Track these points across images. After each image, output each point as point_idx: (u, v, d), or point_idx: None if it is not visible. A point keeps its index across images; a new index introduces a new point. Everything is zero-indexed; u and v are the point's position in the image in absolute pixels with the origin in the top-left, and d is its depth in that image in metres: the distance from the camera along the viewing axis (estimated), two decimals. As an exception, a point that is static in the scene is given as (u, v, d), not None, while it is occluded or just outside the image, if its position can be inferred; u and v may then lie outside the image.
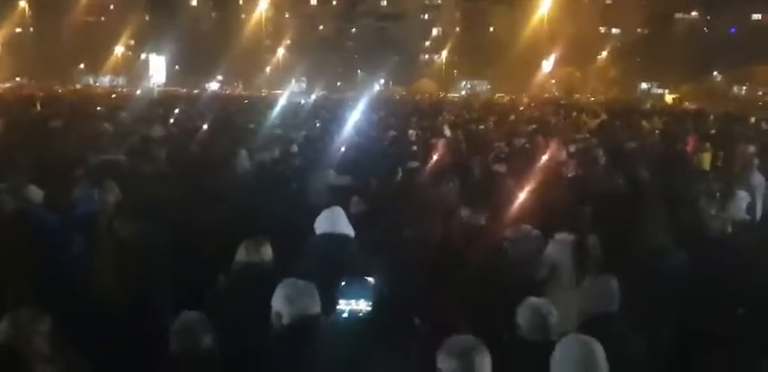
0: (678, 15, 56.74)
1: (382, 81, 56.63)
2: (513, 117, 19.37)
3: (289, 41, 56.93)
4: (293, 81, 48.77)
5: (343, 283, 3.20)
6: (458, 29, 59.49)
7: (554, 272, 4.65)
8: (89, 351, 3.46)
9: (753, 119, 19.24)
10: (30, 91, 30.67)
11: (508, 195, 6.50)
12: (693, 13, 57.28)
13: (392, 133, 11.61)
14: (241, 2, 59.55)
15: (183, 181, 6.69)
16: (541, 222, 5.21)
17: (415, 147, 10.25)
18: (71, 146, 8.91)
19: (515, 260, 4.74)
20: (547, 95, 44.01)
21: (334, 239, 4.45)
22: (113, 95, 30.37)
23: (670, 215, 5.60)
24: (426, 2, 61.56)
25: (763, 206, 7.40)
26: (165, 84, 50.03)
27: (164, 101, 23.04)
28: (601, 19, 54.51)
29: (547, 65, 51.98)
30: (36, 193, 5.31)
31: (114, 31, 54.47)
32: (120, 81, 54.96)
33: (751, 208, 6.71)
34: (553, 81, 53.34)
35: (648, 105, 31.93)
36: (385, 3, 61.14)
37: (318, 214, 4.80)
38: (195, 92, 38.55)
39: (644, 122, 17.43)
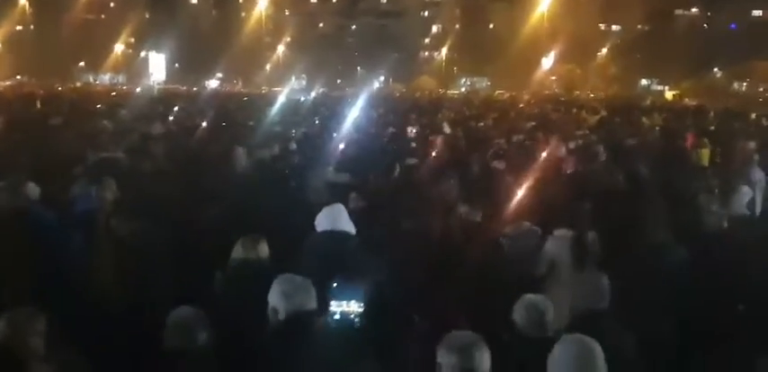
0: (678, 12, 56.67)
1: (382, 78, 56.62)
2: (512, 114, 19.35)
3: (289, 39, 56.90)
4: (293, 78, 48.72)
5: (334, 284, 3.18)
6: (458, 26, 59.41)
7: (552, 269, 4.65)
8: (86, 350, 3.46)
9: (753, 116, 19.22)
10: (30, 89, 30.66)
11: (507, 192, 6.49)
12: (694, 10, 57.21)
13: (391, 130, 11.60)
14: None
15: (182, 178, 6.68)
16: (540, 218, 5.21)
17: (414, 144, 10.24)
18: (70, 143, 8.90)
19: (514, 256, 4.73)
20: (547, 92, 43.95)
21: (336, 236, 4.43)
22: (113, 93, 30.34)
23: (670, 211, 5.59)
24: (426, -1, 61.57)
25: (763, 202, 7.38)
26: (165, 82, 49.99)
27: (163, 99, 23.03)
28: (601, 15, 54.39)
29: (547, 62, 51.94)
30: (34, 191, 5.29)
31: (114, 28, 54.46)
32: (120, 79, 54.95)
33: (751, 204, 6.69)
34: (553, 78, 53.29)
35: (648, 102, 31.87)
36: (385, 0, 61.09)
37: (317, 211, 4.79)
38: (195, 89, 38.53)
39: (644, 119, 17.39)
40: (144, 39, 55.43)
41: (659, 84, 54.85)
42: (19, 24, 55.15)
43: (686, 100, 37.47)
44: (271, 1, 57.45)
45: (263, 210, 5.50)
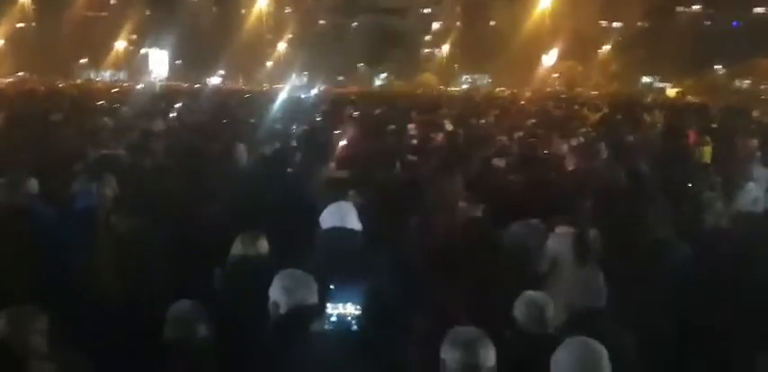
0: (680, 9, 56.51)
1: (383, 75, 56.53)
2: (513, 111, 19.30)
3: (290, 36, 56.84)
4: (294, 75, 48.67)
5: (331, 286, 3.17)
6: (459, 23, 59.33)
7: (554, 266, 4.64)
8: (86, 347, 3.45)
9: (755, 113, 19.18)
10: (32, 85, 30.65)
11: (508, 188, 6.49)
12: (695, 7, 57.07)
13: (391, 127, 11.58)
14: (242, -4, 59.47)
15: (183, 175, 6.68)
16: (542, 215, 5.19)
17: (414, 141, 10.23)
18: (71, 140, 8.91)
19: (515, 253, 4.72)
20: (548, 89, 43.89)
21: (344, 233, 4.37)
22: (114, 90, 30.32)
23: (672, 208, 5.59)
24: (427, -4, 61.45)
25: (765, 199, 7.37)
26: (167, 79, 49.96)
27: (165, 96, 23.01)
28: (602, 12, 54.25)
29: (548, 59, 51.86)
30: (34, 187, 5.29)
31: (116, 25, 54.41)
32: (122, 75, 54.91)
33: (755, 201, 6.69)
34: (555, 75, 53.20)
35: (650, 99, 31.82)
36: (386, -3, 61.00)
37: (317, 207, 4.77)
38: (197, 86, 38.50)
39: (645, 116, 17.35)
40: (145, 35, 55.37)
41: (661, 81, 54.71)
42: (20, 21, 55.11)
43: (688, 97, 37.40)
44: (271, -2, 57.44)
45: (264, 207, 5.49)
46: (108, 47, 54.90)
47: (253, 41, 53.10)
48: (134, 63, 55.91)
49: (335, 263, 3.99)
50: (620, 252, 4.83)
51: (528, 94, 33.60)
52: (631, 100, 28.80)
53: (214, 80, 48.79)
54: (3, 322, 3.20)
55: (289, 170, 7.26)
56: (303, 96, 25.16)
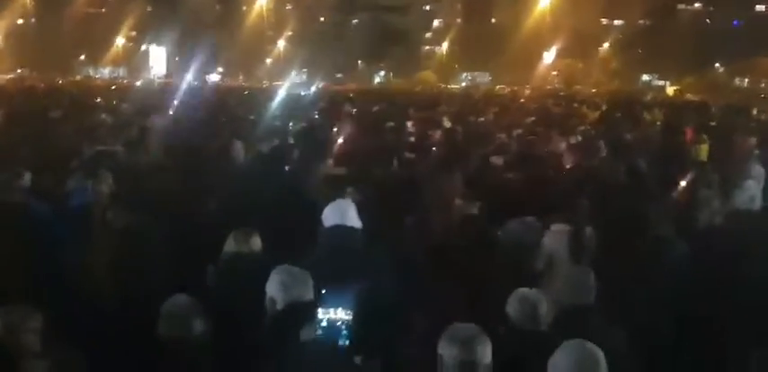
0: (681, 7, 56.49)
1: (383, 72, 56.50)
2: (513, 108, 19.29)
3: (290, 33, 56.79)
4: (293, 72, 48.62)
5: (323, 291, 3.16)
6: (459, 20, 59.29)
7: (550, 263, 4.63)
8: (81, 345, 3.44)
9: (755, 111, 19.18)
10: (31, 82, 30.63)
11: (506, 186, 6.48)
12: (696, 5, 57.03)
13: (390, 124, 11.57)
14: (242, -7, 59.38)
15: (180, 172, 6.67)
16: (539, 213, 5.18)
17: (412, 139, 10.22)
18: (69, 137, 8.90)
19: (511, 251, 4.70)
20: (548, 87, 43.87)
21: (345, 231, 4.36)
22: (113, 87, 30.30)
23: (670, 206, 5.59)
24: (428, -7, 61.38)
25: (764, 197, 7.36)
26: (166, 76, 49.91)
27: (164, 93, 22.98)
28: (602, 10, 54.23)
29: (548, 56, 51.84)
30: (30, 184, 5.29)
31: (115, 22, 54.36)
32: (121, 72, 54.87)
33: (753, 199, 6.68)
34: (554, 73, 53.19)
35: (649, 97, 31.80)
36: (386, -6, 60.91)
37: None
38: (195, 83, 38.44)
39: (645, 114, 17.34)
40: (145, 32, 55.33)
41: (661, 79, 54.71)
42: (20, 18, 55.04)
43: (687, 95, 37.39)
44: (271, -5, 57.38)
45: (260, 204, 5.48)
46: (108, 43, 54.85)
47: (252, 38, 53.06)
48: (133, 60, 55.86)
49: (336, 261, 3.99)
50: (617, 249, 4.83)
51: (527, 92, 33.60)
52: (631, 98, 28.79)
53: (213, 77, 48.73)
54: (-3, 321, 3.18)
55: (286, 167, 7.25)
56: (302, 93, 25.14)
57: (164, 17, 51.69)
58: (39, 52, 50.07)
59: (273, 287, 3.38)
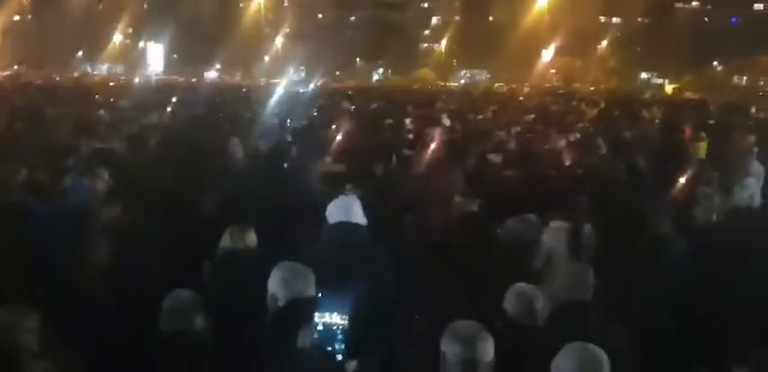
0: (679, 5, 56.51)
1: (381, 70, 56.46)
2: (511, 106, 19.30)
3: (287, 30, 56.71)
4: (291, 70, 48.57)
5: (319, 294, 3.14)
6: (458, 18, 59.24)
7: (549, 260, 4.62)
8: (79, 344, 3.42)
9: (754, 109, 19.20)
10: (28, 79, 30.57)
11: (504, 183, 6.47)
12: (694, 3, 57.05)
13: (388, 121, 11.56)
14: (240, -10, 59.30)
15: (177, 169, 6.65)
16: (539, 210, 5.17)
17: (411, 136, 10.20)
18: (66, 134, 8.87)
19: (511, 248, 4.70)
20: (547, 85, 43.88)
21: (350, 228, 4.33)
22: (111, 83, 30.26)
23: (669, 203, 5.58)
24: (426, -10, 61.35)
25: (763, 194, 7.37)
26: (163, 73, 49.86)
27: (161, 90, 22.96)
28: (601, 8, 54.23)
29: (547, 54, 51.84)
30: (26, 181, 5.26)
31: (113, 19, 54.25)
32: (119, 69, 54.77)
33: (753, 197, 6.68)
34: (553, 70, 53.20)
35: (648, 95, 31.82)
36: (384, -9, 60.85)
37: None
38: (193, 80, 38.42)
39: (644, 112, 17.35)
40: (142, 29, 55.24)
41: (659, 77, 54.76)
42: (17, 14, 54.91)
43: (686, 93, 37.41)
44: (270, -8, 57.29)
45: (259, 200, 5.47)
46: (105, 40, 54.73)
47: (250, 36, 52.97)
48: (131, 56, 55.76)
49: (341, 257, 3.98)
50: (616, 246, 4.82)
51: (526, 90, 33.61)
52: (629, 96, 28.83)
53: (211, 74, 48.67)
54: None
55: (285, 165, 7.24)
56: (300, 91, 25.11)
57: (161, 14, 51.61)
58: (36, 49, 49.95)
59: (275, 284, 3.37)
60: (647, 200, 5.44)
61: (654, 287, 4.52)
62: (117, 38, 56.20)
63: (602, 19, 56.59)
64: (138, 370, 3.39)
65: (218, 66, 52.60)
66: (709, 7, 55.44)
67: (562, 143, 8.94)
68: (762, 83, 48.39)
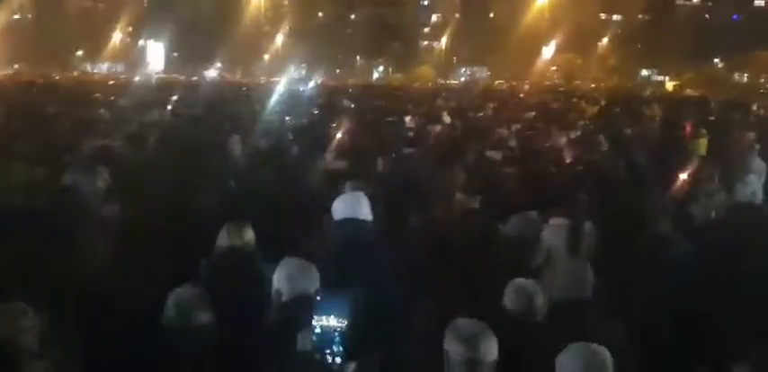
0: (679, 1, 56.48)
1: (381, 67, 56.46)
2: (512, 104, 19.28)
3: (288, 28, 56.70)
4: (292, 68, 48.56)
5: (317, 297, 3.13)
6: (458, 15, 59.21)
7: (548, 257, 4.61)
8: (80, 342, 3.41)
9: (754, 106, 19.18)
10: (28, 77, 30.57)
11: (505, 181, 6.46)
12: (695, 0, 57.01)
13: (389, 119, 11.57)
14: (240, -12, 59.27)
15: (177, 167, 6.64)
16: (539, 208, 5.17)
17: (411, 134, 10.21)
18: (66, 132, 8.88)
19: (512, 245, 4.69)
20: (547, 82, 43.86)
21: (357, 225, 4.29)
22: (111, 82, 30.25)
23: (670, 200, 5.58)
24: (426, -12, 61.32)
25: (765, 191, 7.36)
26: (164, 71, 49.86)
27: (161, 88, 22.96)
28: (601, 5, 54.20)
29: (547, 51, 51.83)
30: (26, 179, 5.26)
31: (113, 17, 54.26)
32: (119, 68, 54.78)
33: (755, 193, 6.67)
34: (553, 68, 53.18)
35: (648, 92, 31.79)
36: (385, -11, 60.81)
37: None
38: (194, 78, 38.42)
39: (645, 109, 17.34)
40: (142, 27, 55.25)
41: (660, 74, 54.74)
42: (17, 13, 54.92)
43: (687, 90, 37.39)
44: (270, -10, 57.28)
45: (259, 198, 5.47)
46: (105, 39, 54.74)
47: (250, 34, 52.97)
48: (131, 55, 55.77)
49: (347, 254, 3.96)
50: (617, 244, 4.81)
51: (526, 87, 33.59)
52: (630, 93, 28.81)
53: (211, 73, 48.63)
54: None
55: (285, 163, 7.24)
56: (301, 89, 25.11)
57: (161, 13, 51.60)
58: (36, 47, 49.96)
59: (280, 280, 3.37)
60: (648, 198, 5.43)
61: (654, 285, 4.51)
62: (117, 36, 56.20)
63: (603, 16, 56.58)
64: (138, 370, 3.38)
65: (218, 64, 52.60)
66: (710, 4, 55.44)
67: (563, 140, 8.94)
68: (763, 80, 48.35)
